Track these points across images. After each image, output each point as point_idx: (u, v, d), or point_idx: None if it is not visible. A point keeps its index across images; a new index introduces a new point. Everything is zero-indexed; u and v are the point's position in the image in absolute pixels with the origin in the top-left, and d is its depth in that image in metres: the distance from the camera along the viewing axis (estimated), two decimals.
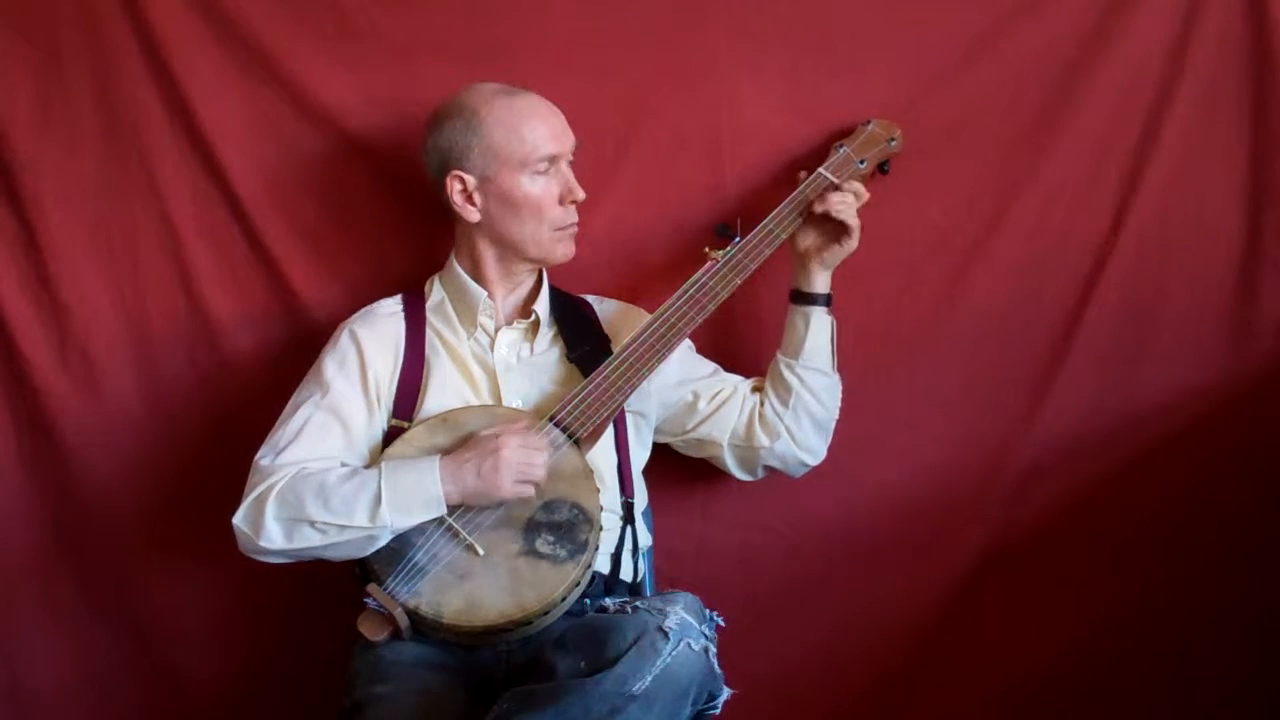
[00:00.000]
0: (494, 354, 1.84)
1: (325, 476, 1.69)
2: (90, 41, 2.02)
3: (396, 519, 1.66)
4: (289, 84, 2.03)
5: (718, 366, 1.97)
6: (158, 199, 2.05)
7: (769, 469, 1.94)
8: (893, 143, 1.97)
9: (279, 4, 2.02)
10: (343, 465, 1.74)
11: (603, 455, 1.82)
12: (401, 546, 1.68)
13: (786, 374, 1.89)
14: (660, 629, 1.49)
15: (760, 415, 1.91)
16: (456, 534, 1.68)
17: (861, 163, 1.94)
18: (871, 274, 2.01)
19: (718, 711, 1.62)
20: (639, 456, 1.90)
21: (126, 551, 2.10)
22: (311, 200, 2.06)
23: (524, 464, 1.68)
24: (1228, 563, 2.10)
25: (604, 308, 1.96)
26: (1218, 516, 2.09)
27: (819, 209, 1.86)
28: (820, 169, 1.92)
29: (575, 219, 1.85)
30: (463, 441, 1.73)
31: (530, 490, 1.69)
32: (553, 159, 1.81)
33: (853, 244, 1.87)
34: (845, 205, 1.86)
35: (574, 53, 2.03)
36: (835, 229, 1.87)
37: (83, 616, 2.11)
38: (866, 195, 1.89)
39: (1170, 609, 2.11)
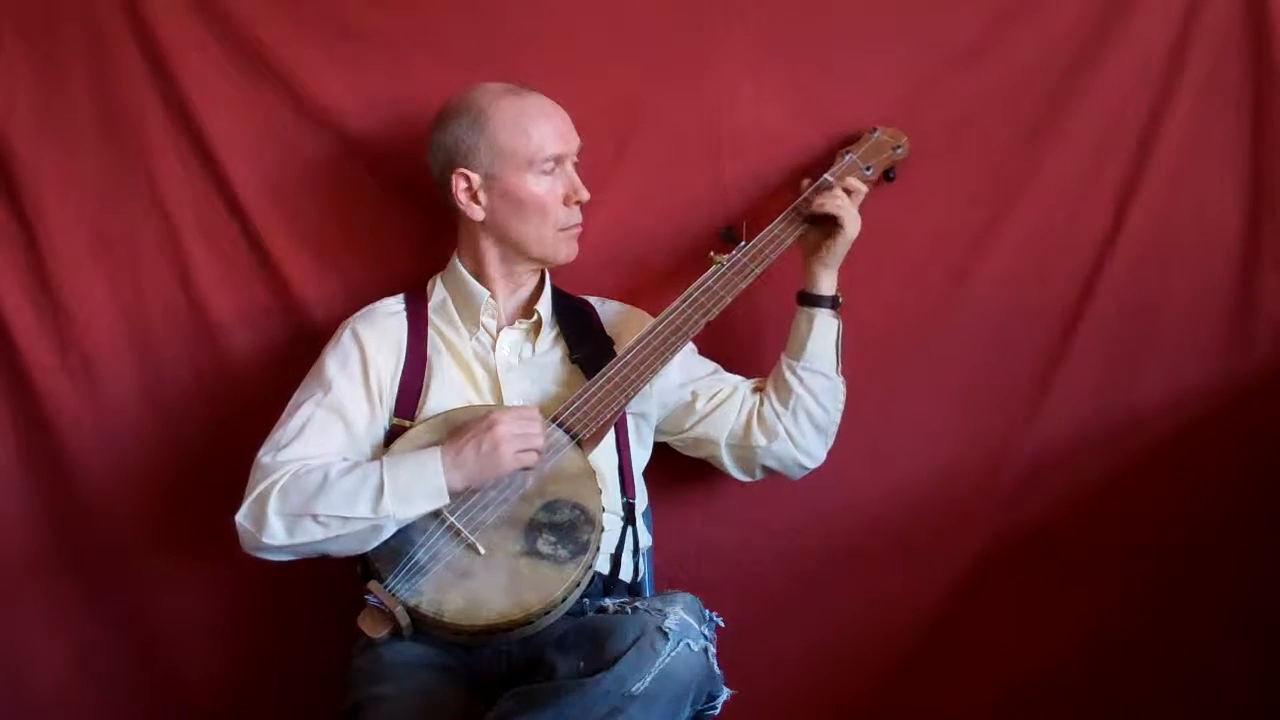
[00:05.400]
0: (496, 354, 1.85)
1: (327, 470, 1.69)
2: (90, 41, 2.02)
3: (400, 509, 1.66)
4: (289, 85, 2.03)
5: (718, 366, 1.97)
6: (158, 199, 2.05)
7: (767, 470, 1.94)
8: (898, 150, 1.98)
9: (279, 5, 2.03)
10: (344, 460, 1.74)
11: (604, 456, 1.82)
12: (402, 545, 1.68)
13: (788, 375, 1.89)
14: (660, 629, 1.50)
15: (759, 415, 1.91)
16: (458, 533, 1.68)
17: (868, 169, 1.94)
18: (872, 274, 2.01)
19: (717, 712, 1.62)
20: (640, 457, 1.91)
21: (126, 551, 2.09)
22: (311, 200, 2.06)
23: (522, 434, 1.68)
24: (1228, 563, 2.10)
25: (606, 309, 1.96)
26: (1218, 516, 2.09)
27: (807, 210, 1.86)
28: (826, 175, 1.92)
29: (579, 219, 1.86)
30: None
31: (534, 459, 1.69)
32: (558, 159, 1.81)
33: (846, 235, 1.86)
34: (832, 198, 1.85)
35: (574, 54, 2.03)
36: (831, 224, 1.87)
37: (83, 616, 2.11)
38: (865, 189, 1.89)
39: (1171, 609, 2.11)
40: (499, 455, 1.67)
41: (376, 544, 1.68)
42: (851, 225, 1.85)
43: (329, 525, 1.66)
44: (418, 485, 1.67)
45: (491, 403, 1.81)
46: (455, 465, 1.67)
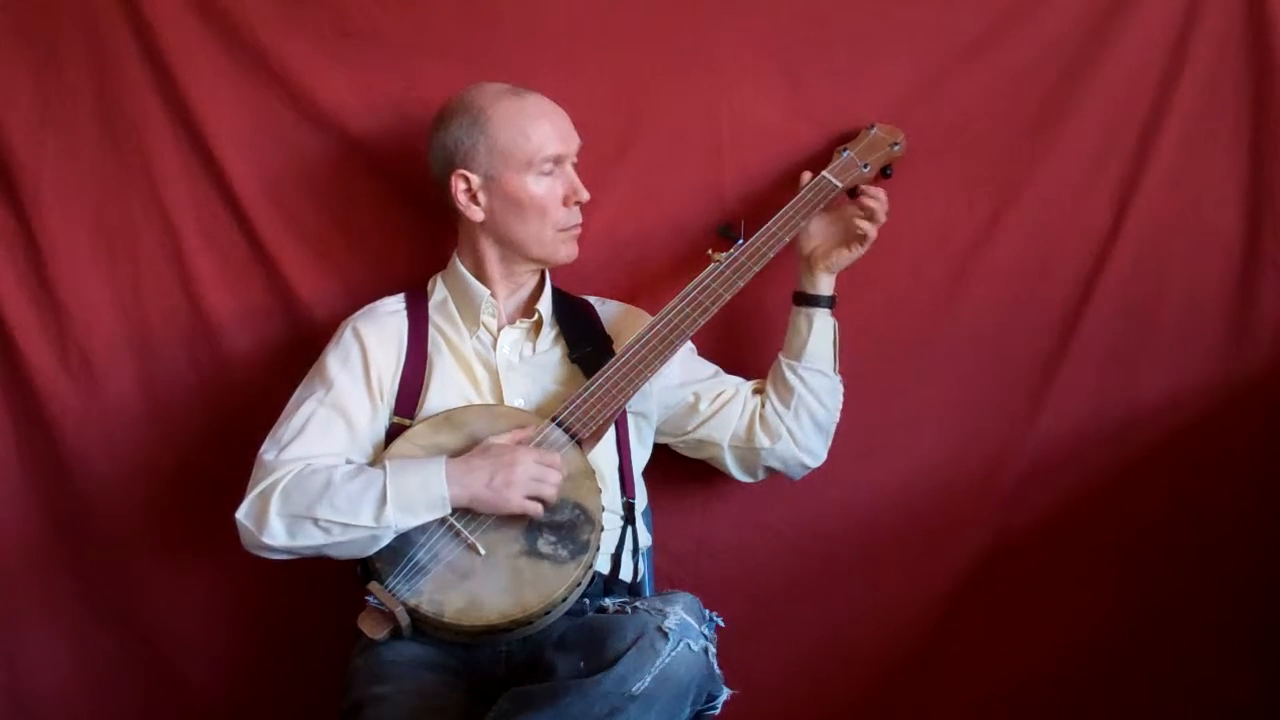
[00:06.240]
0: (496, 353, 1.85)
1: (331, 474, 1.69)
2: (90, 42, 2.02)
3: (401, 519, 1.66)
4: (289, 84, 2.03)
5: (719, 368, 1.97)
6: (158, 199, 2.05)
7: (769, 470, 1.94)
8: (895, 147, 1.97)
9: (279, 4, 2.02)
10: (347, 462, 1.75)
11: (604, 455, 1.82)
12: (403, 545, 1.68)
13: (788, 375, 1.90)
14: (660, 629, 1.50)
15: (761, 416, 1.91)
16: (458, 533, 1.68)
17: (865, 167, 1.94)
18: (872, 274, 2.00)
19: (717, 712, 1.62)
20: (640, 457, 1.91)
21: (126, 551, 2.09)
22: (311, 200, 2.06)
23: (537, 481, 1.68)
24: (1228, 562, 2.10)
25: (606, 309, 1.96)
26: (1217, 516, 2.10)
27: (861, 201, 1.88)
28: (824, 172, 1.92)
29: (579, 220, 1.86)
30: (466, 440, 1.73)
31: (539, 509, 1.68)
32: (558, 159, 1.81)
33: (863, 251, 1.88)
34: (879, 205, 1.87)
35: (574, 53, 2.03)
36: (845, 234, 1.87)
37: (83, 616, 2.11)
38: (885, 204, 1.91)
39: (1170, 609, 2.11)
40: (507, 495, 1.67)
41: (374, 550, 1.68)
42: (868, 246, 1.88)
43: (330, 531, 1.66)
44: (421, 497, 1.67)
45: (491, 401, 1.81)
46: (461, 484, 1.67)
